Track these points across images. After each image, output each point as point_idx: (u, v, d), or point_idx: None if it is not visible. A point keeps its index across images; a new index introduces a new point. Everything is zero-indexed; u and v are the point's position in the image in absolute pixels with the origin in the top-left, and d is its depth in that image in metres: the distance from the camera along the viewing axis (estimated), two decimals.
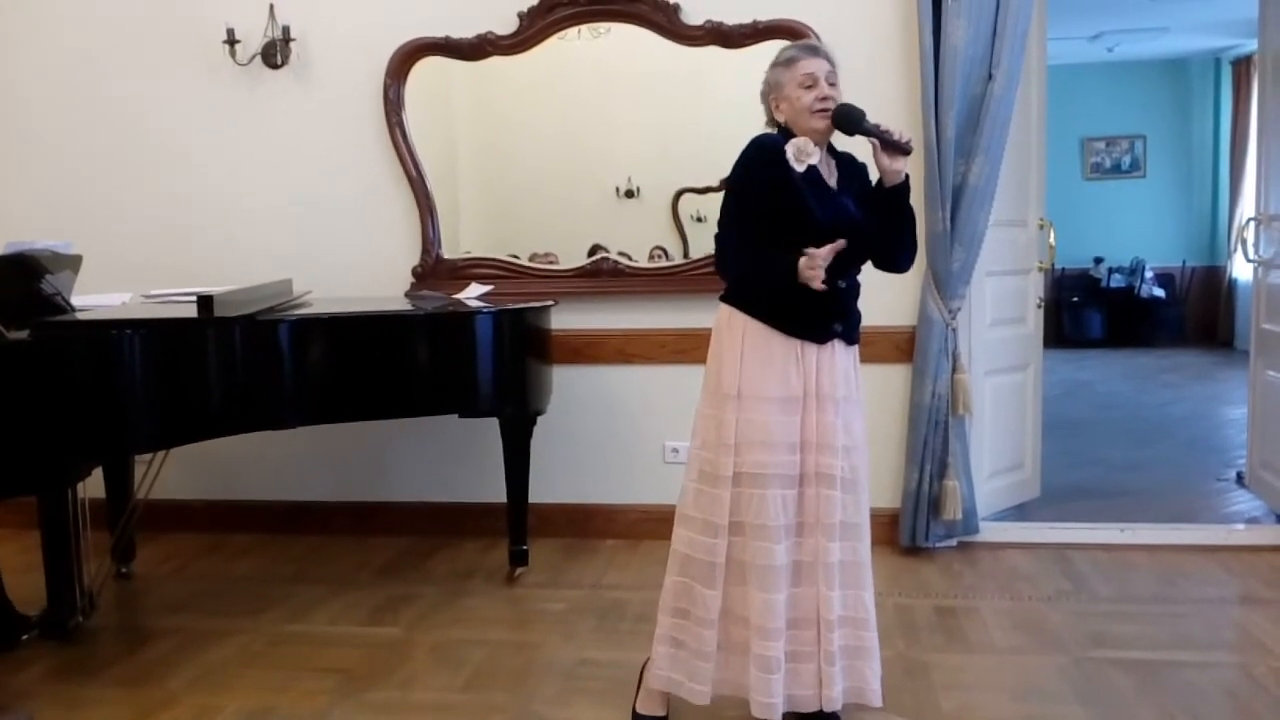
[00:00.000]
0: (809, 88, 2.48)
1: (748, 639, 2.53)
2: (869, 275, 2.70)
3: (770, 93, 2.57)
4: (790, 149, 2.47)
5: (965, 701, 2.88)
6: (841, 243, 2.40)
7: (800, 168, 2.46)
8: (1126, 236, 10.45)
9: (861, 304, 2.73)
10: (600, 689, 3.04)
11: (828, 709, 2.56)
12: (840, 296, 2.53)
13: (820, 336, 2.53)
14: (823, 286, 2.38)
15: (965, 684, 2.99)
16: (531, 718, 2.87)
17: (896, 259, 2.69)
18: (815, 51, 2.54)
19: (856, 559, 2.57)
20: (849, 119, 2.48)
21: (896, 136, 2.46)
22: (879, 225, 2.56)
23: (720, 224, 2.59)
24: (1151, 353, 9.84)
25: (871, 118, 2.49)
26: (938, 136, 3.88)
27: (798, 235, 2.44)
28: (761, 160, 2.49)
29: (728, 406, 2.54)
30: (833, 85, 2.50)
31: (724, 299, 2.61)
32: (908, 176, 2.54)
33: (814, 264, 2.36)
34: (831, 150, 2.61)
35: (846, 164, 2.63)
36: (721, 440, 2.54)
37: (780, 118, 2.56)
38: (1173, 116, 10.46)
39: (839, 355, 2.55)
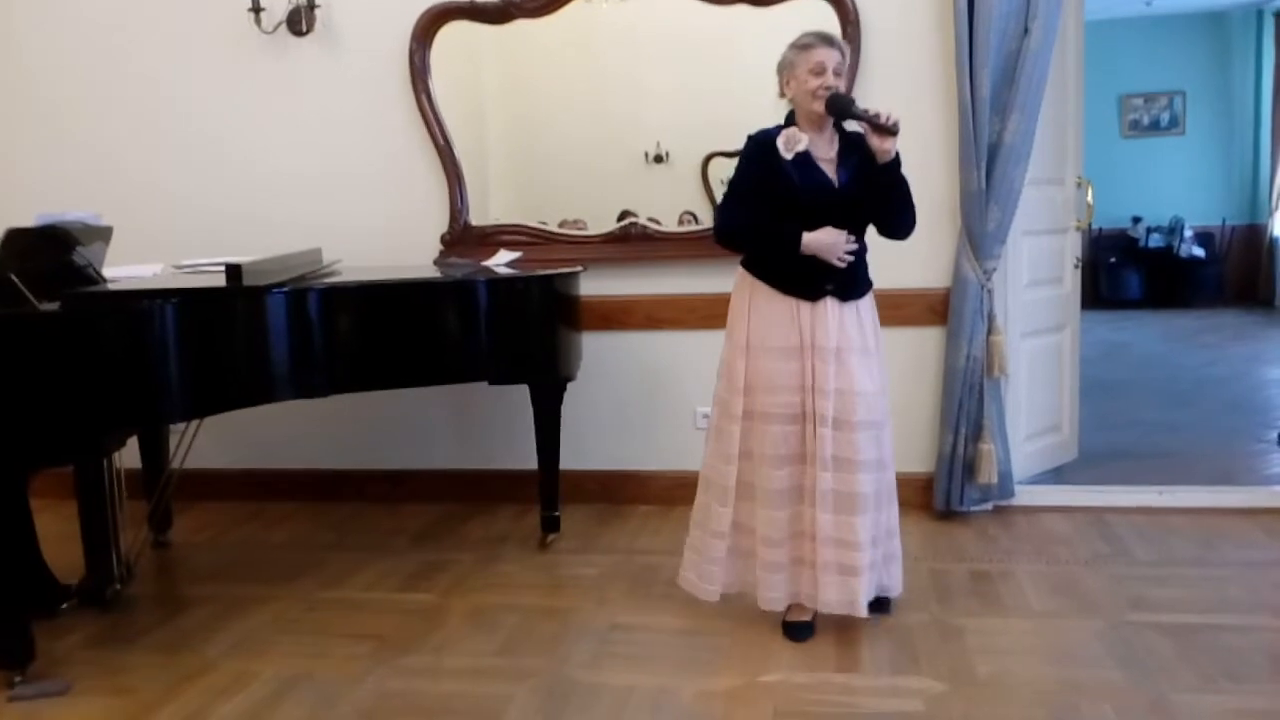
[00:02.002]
0: (817, 74, 2.86)
1: (754, 546, 3.04)
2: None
3: (784, 69, 2.96)
4: (781, 140, 2.89)
5: (1001, 666, 2.86)
6: (846, 236, 2.89)
7: (789, 155, 2.88)
8: (1165, 195, 10.26)
9: (896, 265, 2.92)
10: (632, 653, 3.04)
11: (822, 610, 3.01)
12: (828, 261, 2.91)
13: (812, 295, 2.93)
14: (841, 263, 2.88)
15: (1001, 648, 2.97)
16: (564, 682, 2.87)
17: (894, 226, 3.04)
18: (830, 42, 2.92)
19: (848, 489, 2.93)
20: (839, 106, 2.86)
21: (884, 120, 2.80)
22: (876, 197, 2.94)
23: (723, 199, 3.12)
24: (1190, 313, 9.69)
25: (895, 108, 2.83)
26: (973, 94, 3.80)
27: (784, 203, 2.91)
28: (757, 153, 2.95)
29: (740, 356, 3.02)
30: (838, 75, 2.89)
31: (742, 264, 3.06)
32: (898, 154, 2.88)
33: (838, 246, 2.87)
34: (839, 127, 2.98)
35: (850, 141, 2.97)
36: (733, 384, 3.03)
37: (788, 92, 2.96)
38: (1212, 71, 10.23)
39: (831, 311, 2.94)
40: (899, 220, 3.01)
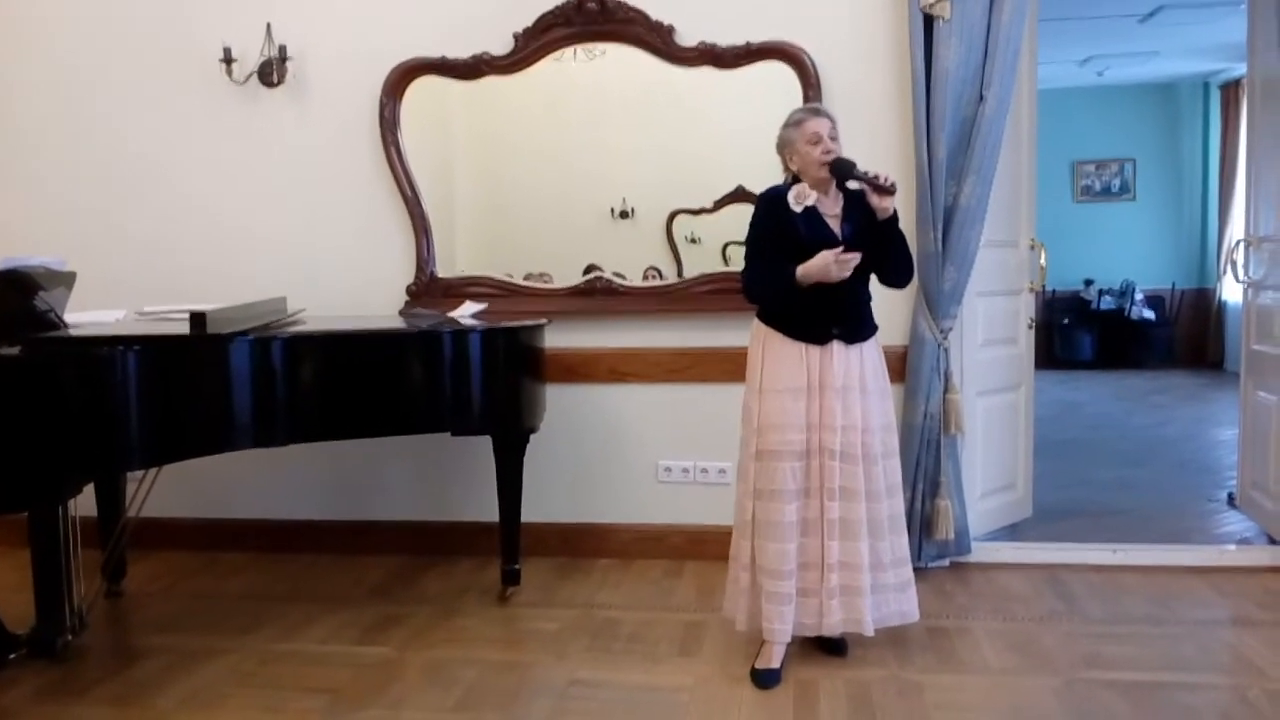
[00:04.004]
0: (815, 144, 3.10)
1: (760, 581, 3.18)
2: None
3: (784, 148, 3.20)
4: (792, 195, 3.14)
5: None
6: (856, 256, 3.07)
7: (798, 209, 3.13)
8: (1116, 258, 10.49)
9: None
10: (592, 710, 3.03)
11: (826, 634, 3.23)
12: (834, 307, 3.15)
13: (819, 339, 3.15)
14: (840, 277, 3.06)
15: (958, 705, 2.99)
16: None
17: (894, 275, 3.30)
18: (818, 113, 3.19)
19: (853, 516, 3.15)
20: (841, 170, 3.10)
21: (882, 181, 3.05)
22: (877, 250, 3.17)
23: (745, 260, 3.27)
24: (1142, 374, 9.88)
25: (862, 165, 3.10)
26: (929, 157, 3.91)
27: (792, 254, 3.11)
28: (769, 207, 3.19)
29: (755, 398, 3.21)
30: (834, 140, 3.13)
31: (757, 315, 3.27)
32: (896, 211, 3.14)
33: (831, 263, 3.04)
34: (843, 187, 3.19)
35: (853, 199, 3.19)
36: (750, 425, 3.23)
37: (793, 167, 3.18)
38: (1162, 140, 10.53)
39: (838, 353, 3.15)
40: (897, 271, 3.28)
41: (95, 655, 3.52)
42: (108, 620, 3.90)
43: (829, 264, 3.05)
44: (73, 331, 3.42)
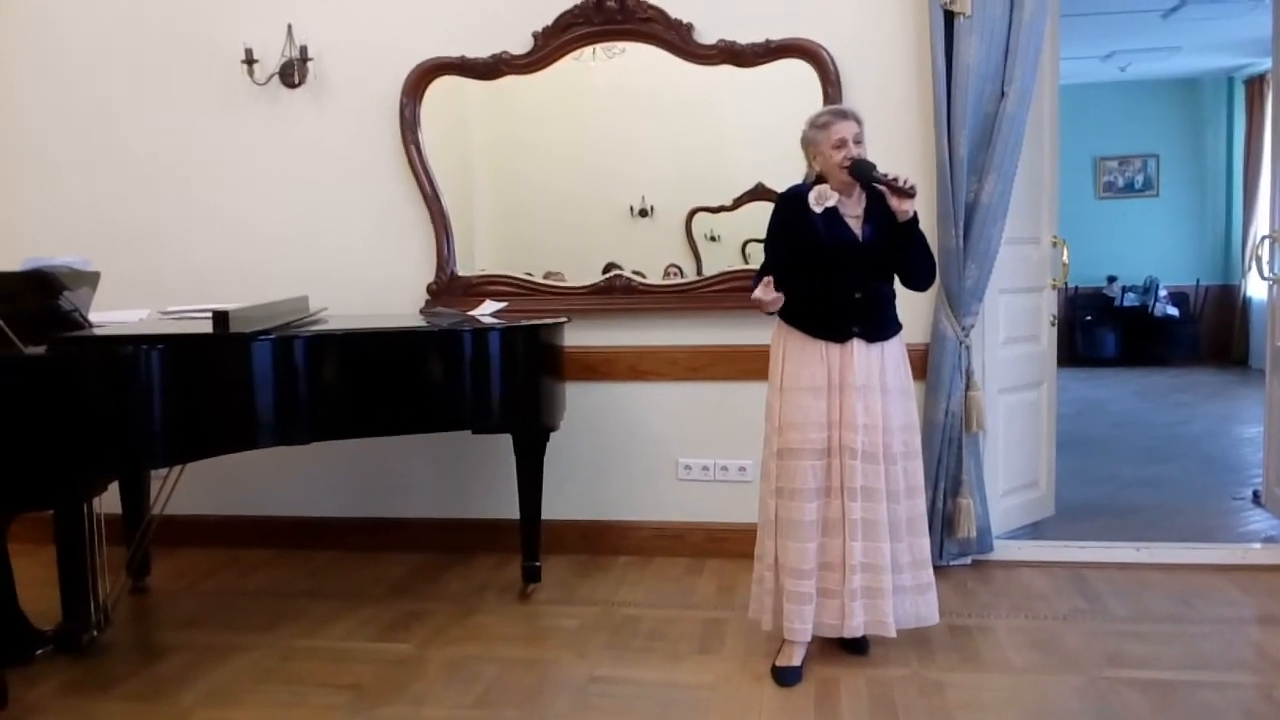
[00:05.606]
0: (839, 148, 3.09)
1: (782, 580, 3.17)
2: None
3: (808, 146, 3.19)
4: (813, 196, 3.13)
5: None
6: (779, 297, 3.04)
7: (819, 209, 3.11)
8: (1140, 255, 10.41)
9: None
10: (612, 707, 3.03)
11: (849, 636, 3.18)
12: (855, 305, 3.14)
13: (839, 337, 3.14)
14: (770, 311, 3.10)
15: (980, 703, 2.98)
16: None
17: (914, 278, 3.28)
18: (845, 116, 3.16)
19: (875, 517, 3.13)
20: (861, 171, 3.08)
21: (901, 184, 3.02)
22: (898, 252, 3.17)
23: (760, 266, 3.26)
24: (1165, 371, 9.80)
25: (882, 166, 3.07)
26: (950, 154, 3.89)
27: (810, 256, 3.13)
28: (788, 206, 3.20)
29: (776, 396, 3.21)
30: (859, 144, 3.12)
31: (779, 314, 3.21)
32: (916, 213, 3.10)
33: (761, 295, 3.06)
34: (867, 188, 3.15)
35: (876, 200, 3.15)
36: (772, 424, 3.22)
37: (816, 166, 3.18)
38: (1186, 136, 10.43)
39: (858, 351, 3.13)
40: (918, 272, 3.25)
41: (120, 651, 3.55)
42: (132, 617, 3.93)
43: (756, 300, 3.06)
44: (97, 331, 3.45)
